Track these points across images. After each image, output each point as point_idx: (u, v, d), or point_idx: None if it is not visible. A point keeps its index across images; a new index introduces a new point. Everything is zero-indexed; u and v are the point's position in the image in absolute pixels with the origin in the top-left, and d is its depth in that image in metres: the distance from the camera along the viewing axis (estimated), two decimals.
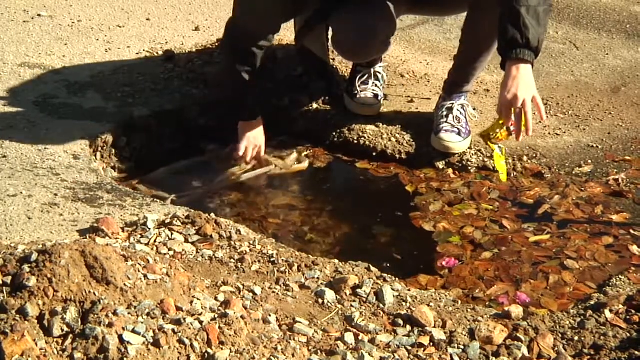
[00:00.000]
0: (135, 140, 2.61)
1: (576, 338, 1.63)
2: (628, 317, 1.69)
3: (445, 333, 1.63)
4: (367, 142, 2.64)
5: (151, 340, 1.40)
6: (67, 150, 2.39)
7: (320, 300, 1.72)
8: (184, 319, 1.47)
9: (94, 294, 1.45)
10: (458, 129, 2.56)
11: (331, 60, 3.05)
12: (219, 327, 1.48)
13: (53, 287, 1.44)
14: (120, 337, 1.38)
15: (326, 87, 2.89)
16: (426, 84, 3.06)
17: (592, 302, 1.79)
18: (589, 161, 2.57)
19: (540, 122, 2.68)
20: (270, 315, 1.61)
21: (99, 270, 1.48)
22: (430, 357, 1.56)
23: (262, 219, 2.30)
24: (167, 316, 1.47)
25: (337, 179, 2.62)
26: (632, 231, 2.20)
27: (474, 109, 2.74)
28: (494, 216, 2.30)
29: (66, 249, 1.49)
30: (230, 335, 1.46)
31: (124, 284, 1.49)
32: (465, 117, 2.61)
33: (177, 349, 1.41)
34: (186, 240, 1.90)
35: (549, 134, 2.72)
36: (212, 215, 2.03)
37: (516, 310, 1.72)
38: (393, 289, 1.78)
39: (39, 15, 3.54)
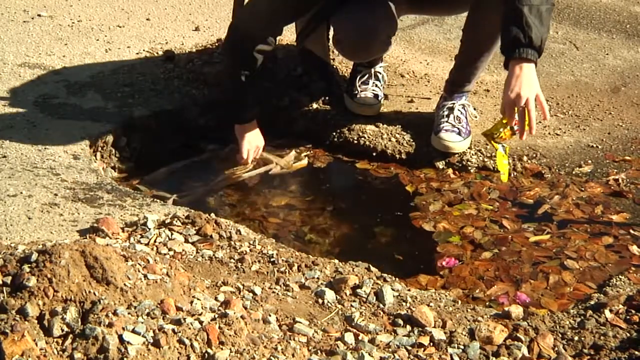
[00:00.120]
0: (135, 140, 2.61)
1: (576, 338, 1.63)
2: (628, 317, 1.69)
3: (445, 333, 1.63)
4: (367, 142, 2.64)
5: (151, 340, 1.40)
6: (67, 150, 2.39)
7: (320, 300, 1.72)
8: (184, 319, 1.47)
9: (94, 294, 1.45)
10: (458, 128, 2.56)
11: (331, 60, 3.05)
12: (219, 327, 1.48)
13: (53, 287, 1.44)
14: (120, 337, 1.38)
15: (326, 87, 2.89)
16: (426, 84, 3.06)
17: (592, 302, 1.79)
18: (589, 161, 2.57)
19: (542, 120, 2.69)
20: (270, 315, 1.61)
21: (99, 270, 1.48)
22: (430, 357, 1.56)
23: (262, 219, 2.30)
24: (167, 316, 1.47)
25: (337, 179, 2.62)
26: (632, 231, 2.20)
27: (475, 109, 2.75)
28: (494, 216, 2.30)
29: (66, 249, 1.49)
30: (230, 335, 1.46)
31: (124, 284, 1.49)
32: (466, 117, 2.61)
33: (177, 349, 1.41)
34: (186, 240, 1.90)
35: (549, 134, 2.72)
36: (212, 215, 2.03)
37: (516, 310, 1.72)
38: (393, 289, 1.78)
39: (38, 15, 3.54)
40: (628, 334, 1.63)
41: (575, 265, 2.06)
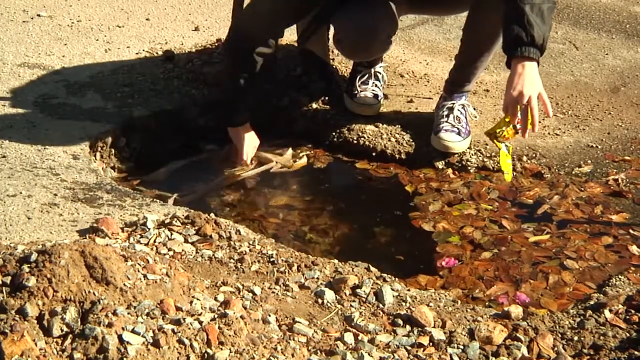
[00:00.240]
0: (134, 140, 2.61)
1: (576, 338, 1.63)
2: (627, 317, 1.69)
3: (444, 333, 1.63)
4: (367, 142, 2.64)
5: (151, 341, 1.40)
6: (67, 151, 2.39)
7: (319, 300, 1.72)
8: (184, 319, 1.47)
9: (94, 294, 1.45)
10: (458, 128, 2.56)
11: (331, 60, 3.06)
12: (219, 327, 1.48)
13: (52, 287, 1.44)
14: (119, 337, 1.38)
15: (326, 87, 2.89)
16: (426, 84, 3.06)
17: (592, 302, 1.79)
18: (589, 161, 2.57)
19: (545, 118, 2.69)
20: (269, 315, 1.61)
21: (98, 270, 1.48)
22: (429, 357, 1.56)
23: (262, 219, 2.30)
24: (167, 316, 1.47)
25: (337, 179, 2.62)
26: (631, 231, 2.20)
27: (474, 109, 2.75)
28: (493, 216, 2.30)
29: (66, 249, 1.49)
30: (229, 336, 1.46)
31: (124, 284, 1.49)
32: (466, 117, 2.61)
33: (177, 349, 1.41)
34: (186, 241, 1.90)
35: (549, 134, 2.72)
36: (212, 215, 2.03)
37: (516, 310, 1.72)
38: (392, 289, 1.78)
39: (38, 15, 3.54)
40: (628, 334, 1.63)
41: (574, 265, 2.06)
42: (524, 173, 2.52)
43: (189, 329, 1.45)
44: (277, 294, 1.72)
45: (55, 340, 1.39)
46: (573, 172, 2.51)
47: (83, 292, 1.45)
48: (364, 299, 1.73)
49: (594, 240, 2.17)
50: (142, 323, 1.43)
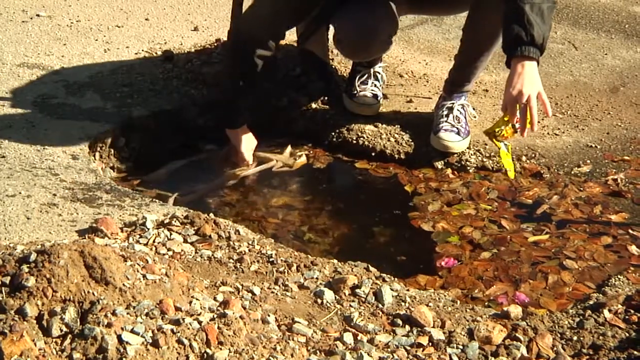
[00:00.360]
0: (134, 140, 2.61)
1: (575, 338, 1.63)
2: (627, 317, 1.69)
3: (444, 333, 1.63)
4: (366, 142, 2.64)
5: (150, 341, 1.40)
6: (66, 151, 2.39)
7: (319, 300, 1.72)
8: (183, 319, 1.47)
9: (93, 294, 1.45)
10: (457, 128, 2.56)
11: (330, 61, 3.05)
12: (218, 327, 1.48)
13: (52, 287, 1.43)
14: (119, 337, 1.38)
15: (325, 87, 2.89)
16: (425, 84, 3.06)
17: (591, 302, 1.79)
18: (588, 161, 2.57)
19: (544, 118, 2.70)
20: (269, 316, 1.61)
21: (97, 271, 1.48)
22: (429, 357, 1.56)
23: (261, 219, 2.30)
24: (166, 316, 1.47)
25: (336, 179, 2.62)
26: (630, 231, 2.20)
27: (474, 109, 2.75)
28: (492, 216, 2.30)
29: (65, 249, 1.49)
30: (229, 336, 1.46)
31: (123, 284, 1.49)
32: (465, 117, 2.61)
33: (176, 349, 1.41)
34: (185, 241, 1.90)
35: (548, 134, 2.72)
36: (211, 215, 2.03)
37: (515, 310, 1.72)
38: (392, 289, 1.78)
39: (37, 15, 3.54)
40: (627, 334, 1.63)
41: (574, 265, 2.06)
42: (523, 173, 2.52)
43: (188, 329, 1.45)
44: (276, 294, 1.72)
45: (54, 340, 1.39)
46: (572, 172, 2.51)
47: (82, 292, 1.45)
48: (363, 299, 1.73)
49: (593, 240, 2.17)
50: (141, 323, 1.43)
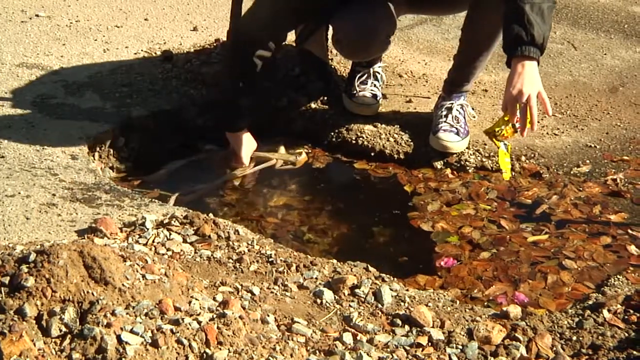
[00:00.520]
0: (133, 140, 2.61)
1: (574, 338, 1.63)
2: (626, 316, 1.69)
3: (443, 333, 1.63)
4: (366, 142, 2.64)
5: (149, 341, 1.40)
6: (65, 151, 2.39)
7: (318, 300, 1.72)
8: (182, 319, 1.47)
9: (92, 294, 1.45)
10: (456, 128, 2.56)
11: (330, 60, 3.05)
12: (217, 327, 1.47)
13: (51, 288, 1.43)
14: (118, 337, 1.38)
15: (324, 87, 2.89)
16: (424, 84, 3.06)
17: (590, 302, 1.79)
18: (587, 161, 2.57)
19: (544, 118, 2.70)
20: (268, 316, 1.61)
21: (97, 271, 1.48)
22: (428, 357, 1.56)
23: (261, 219, 2.30)
24: (166, 316, 1.47)
25: (336, 179, 2.62)
26: (630, 231, 2.20)
27: (473, 109, 2.75)
28: (492, 216, 2.30)
29: (64, 249, 1.49)
30: (228, 336, 1.46)
31: (122, 284, 1.49)
32: (464, 117, 2.61)
33: (176, 349, 1.41)
34: (184, 241, 1.90)
35: (547, 133, 2.72)
36: (211, 215, 2.03)
37: (514, 310, 1.72)
38: (391, 289, 1.78)
39: (36, 15, 3.53)
40: (626, 334, 1.64)
41: (573, 265, 2.06)
42: (523, 173, 2.52)
43: (188, 329, 1.45)
44: (275, 294, 1.72)
45: (53, 340, 1.39)
46: (571, 172, 2.51)
47: (82, 292, 1.45)
48: (362, 299, 1.73)
49: (593, 240, 2.17)
50: (140, 323, 1.43)
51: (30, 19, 3.49)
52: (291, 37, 2.88)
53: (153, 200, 2.20)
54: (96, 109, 2.67)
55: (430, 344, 1.60)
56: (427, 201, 2.39)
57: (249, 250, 1.89)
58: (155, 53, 3.19)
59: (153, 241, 1.87)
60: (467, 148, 2.58)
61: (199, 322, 1.48)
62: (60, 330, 1.40)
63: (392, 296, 1.75)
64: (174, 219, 1.97)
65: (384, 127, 2.68)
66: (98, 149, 2.49)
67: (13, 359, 1.32)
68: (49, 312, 1.41)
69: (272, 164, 2.58)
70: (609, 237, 2.18)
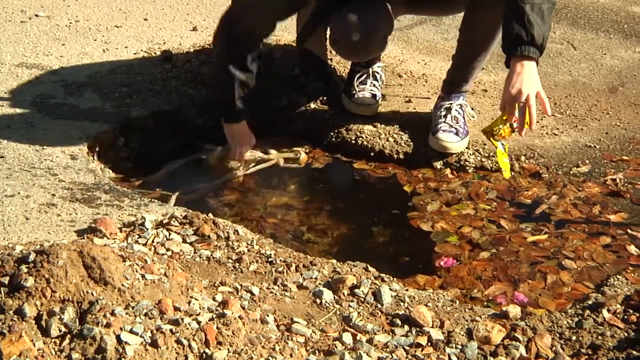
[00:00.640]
0: (132, 140, 2.61)
1: (574, 338, 1.63)
2: (626, 316, 1.69)
3: (443, 333, 1.63)
4: (365, 142, 2.64)
5: (149, 341, 1.40)
6: (65, 151, 2.39)
7: (318, 300, 1.72)
8: (182, 319, 1.47)
9: (92, 294, 1.45)
10: (456, 128, 2.56)
11: (329, 60, 3.05)
12: (217, 328, 1.47)
13: (51, 288, 1.43)
14: (118, 337, 1.38)
15: (324, 87, 2.89)
16: (424, 84, 3.06)
17: (590, 302, 1.79)
18: (587, 161, 2.57)
19: (543, 118, 2.70)
20: (268, 316, 1.61)
21: (96, 271, 1.48)
22: (428, 357, 1.56)
23: (260, 219, 2.30)
24: (165, 316, 1.47)
25: (335, 179, 2.62)
26: (629, 231, 2.20)
27: (472, 109, 2.75)
28: (491, 216, 2.30)
29: (64, 249, 1.49)
30: (228, 336, 1.46)
31: (122, 284, 1.49)
32: (464, 117, 2.61)
33: (175, 349, 1.41)
34: (184, 241, 1.90)
35: (547, 133, 2.72)
36: (210, 215, 2.03)
37: (514, 310, 1.72)
38: (391, 289, 1.78)
39: (36, 15, 3.53)
40: (626, 334, 1.64)
41: (573, 265, 2.06)
42: (522, 173, 2.52)
43: (187, 329, 1.45)
44: (275, 294, 1.72)
45: (53, 340, 1.39)
46: (571, 172, 2.51)
47: (81, 292, 1.45)
48: (362, 299, 1.73)
49: (592, 240, 2.17)
50: (140, 323, 1.43)
51: (30, 19, 3.49)
52: (291, 37, 2.88)
53: (152, 200, 2.20)
54: (96, 109, 2.67)
55: (429, 344, 1.60)
56: (426, 201, 2.39)
57: (248, 250, 1.89)
58: (155, 53, 3.19)
59: (152, 241, 1.87)
60: (466, 148, 2.58)
61: (199, 322, 1.48)
62: (60, 330, 1.40)
63: (391, 296, 1.75)
64: (174, 219, 1.97)
65: (384, 127, 2.68)
66: (98, 149, 2.49)
67: (13, 359, 1.32)
68: (48, 312, 1.41)
69: (273, 163, 2.58)
70: (609, 237, 2.18)
